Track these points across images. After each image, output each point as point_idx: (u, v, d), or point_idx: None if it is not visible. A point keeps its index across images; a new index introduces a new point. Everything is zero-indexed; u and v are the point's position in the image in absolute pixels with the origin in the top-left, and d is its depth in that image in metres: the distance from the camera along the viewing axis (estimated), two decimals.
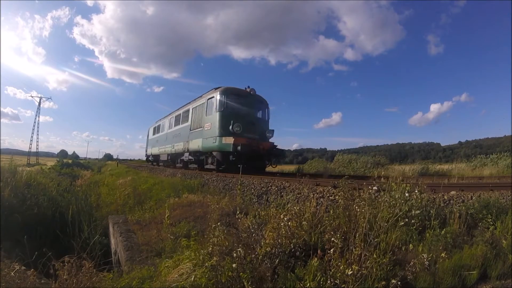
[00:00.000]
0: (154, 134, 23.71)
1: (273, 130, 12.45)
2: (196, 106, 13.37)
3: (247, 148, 10.18)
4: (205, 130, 11.78)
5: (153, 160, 24.42)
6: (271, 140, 12.39)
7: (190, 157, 13.50)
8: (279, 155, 12.19)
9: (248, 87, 12.19)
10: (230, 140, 10.13)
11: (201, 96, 13.55)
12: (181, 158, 14.98)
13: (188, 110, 14.58)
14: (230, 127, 10.65)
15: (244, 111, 11.67)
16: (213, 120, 11.34)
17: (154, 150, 22.73)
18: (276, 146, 11.81)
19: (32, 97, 46.75)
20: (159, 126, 21.91)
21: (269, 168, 12.36)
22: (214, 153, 11.14)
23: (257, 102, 12.57)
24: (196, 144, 12.49)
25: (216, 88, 12.19)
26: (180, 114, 16.18)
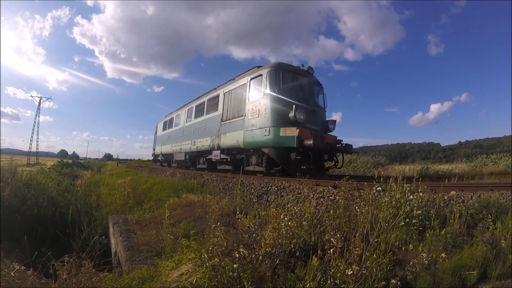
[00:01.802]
0: (164, 129, 19.59)
1: (335, 121, 9.21)
2: (231, 90, 10.13)
3: (320, 143, 7.43)
4: (248, 119, 8.61)
5: (164, 160, 20.12)
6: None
7: (223, 156, 10.26)
8: (347, 152, 8.87)
9: (303, 65, 9.33)
10: (292, 131, 7.29)
11: (236, 78, 10.45)
12: (207, 157, 11.74)
13: (216, 97, 11.35)
14: (291, 114, 7.73)
15: (304, 94, 8.79)
16: (262, 105, 8.21)
17: (165, 149, 18.64)
18: (341, 140, 8.79)
19: (32, 97, 46.79)
20: (171, 119, 18.01)
21: (325, 170, 9.16)
22: (265, 150, 8.05)
23: (316, 84, 9.51)
24: (232, 138, 9.41)
25: (258, 67, 9.32)
26: (203, 103, 12.66)
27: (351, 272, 2.07)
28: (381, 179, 3.34)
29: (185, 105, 15.81)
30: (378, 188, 3.27)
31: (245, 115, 8.91)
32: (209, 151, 11.45)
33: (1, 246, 4.16)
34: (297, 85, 8.78)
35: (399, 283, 2.04)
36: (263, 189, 6.75)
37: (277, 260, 2.43)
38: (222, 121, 10.42)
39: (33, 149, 41.72)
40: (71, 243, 5.07)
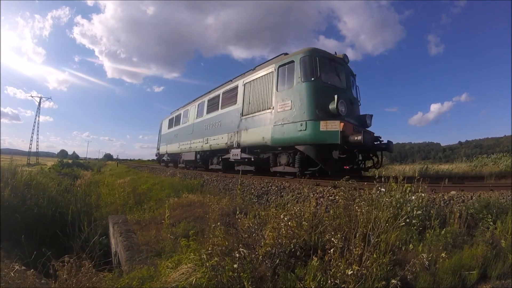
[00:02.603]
0: (170, 127, 18.01)
1: (372, 116, 8.17)
2: (253, 81, 8.90)
3: (369, 139, 6.55)
4: (277, 112, 7.48)
5: (169, 160, 18.37)
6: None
7: (244, 155, 8.99)
8: (389, 150, 7.58)
9: (335, 53, 8.13)
10: (335, 125, 6.26)
11: (257, 67, 9.26)
12: (223, 156, 10.46)
13: (234, 89, 10.06)
14: (333, 105, 6.64)
15: (341, 84, 7.69)
16: (295, 95, 7.08)
17: (172, 148, 17.17)
18: (380, 137, 7.68)
19: (32, 97, 46.82)
20: (178, 116, 16.58)
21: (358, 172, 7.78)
22: (300, 148, 6.93)
23: (351, 74, 8.41)
24: (257, 135, 8.17)
25: (285, 54, 8.29)
26: (217, 96, 11.33)
27: (351, 272, 2.07)
28: (382, 179, 3.34)
29: (195, 99, 14.29)
30: (382, 189, 3.25)
31: (272, 108, 7.66)
32: (225, 150, 10.12)
33: (1, 246, 4.16)
34: (334, 73, 7.64)
35: (399, 283, 2.04)
36: (263, 189, 6.75)
37: (277, 260, 2.43)
38: (242, 116, 9.07)
39: (33, 149, 41.77)
40: (71, 243, 5.08)
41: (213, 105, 11.78)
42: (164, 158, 19.38)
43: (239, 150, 9.14)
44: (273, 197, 6.15)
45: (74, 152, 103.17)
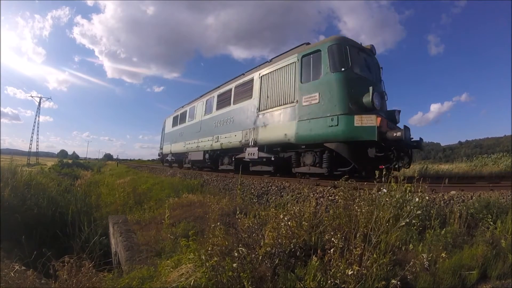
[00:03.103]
0: (175, 125, 17.02)
1: (400, 111, 7.60)
2: (271, 73, 8.17)
3: (409, 136, 6.08)
4: (302, 106, 6.79)
5: (174, 160, 17.30)
6: None
7: (262, 154, 8.18)
8: (420, 148, 6.89)
9: (360, 43, 7.46)
10: (371, 120, 5.65)
11: (274, 59, 8.61)
12: (237, 156, 9.59)
13: (248, 82, 9.28)
14: (367, 98, 6.06)
15: (371, 76, 7.14)
16: (324, 87, 6.41)
17: (176, 147, 16.14)
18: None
19: (32, 97, 46.81)
20: (183, 113, 15.62)
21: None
22: (330, 145, 6.25)
23: (378, 67, 7.77)
24: (277, 131, 7.49)
25: (307, 44, 7.72)
26: (229, 91, 10.54)
27: (352, 272, 2.07)
28: (382, 178, 3.34)
29: (202, 95, 13.52)
30: (384, 190, 3.23)
31: (296, 101, 6.95)
32: (239, 149, 9.33)
33: (1, 246, 4.16)
34: (364, 64, 7.08)
35: (399, 283, 2.04)
36: (263, 189, 6.75)
37: (277, 260, 2.43)
38: (259, 111, 8.35)
39: (33, 149, 41.77)
40: (71, 243, 5.08)
41: (224, 101, 10.87)
42: (168, 158, 18.22)
43: (256, 148, 8.29)
44: (273, 197, 6.15)
45: (74, 152, 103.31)
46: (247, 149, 8.76)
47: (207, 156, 12.01)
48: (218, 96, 11.47)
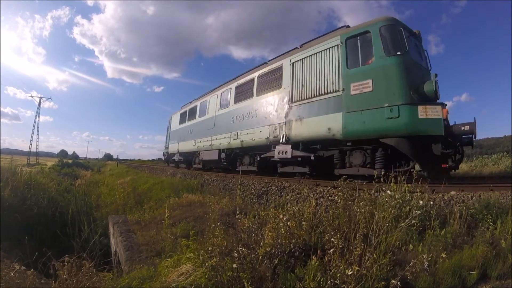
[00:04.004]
0: (183, 122, 15.66)
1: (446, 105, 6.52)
2: (306, 58, 7.18)
3: (474, 131, 5.16)
4: (351, 95, 5.86)
5: (182, 160, 15.87)
6: None
7: (297, 153, 7.12)
8: (472, 145, 5.69)
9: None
10: (436, 111, 4.98)
11: (305, 45, 7.68)
12: (263, 155, 8.47)
13: (277, 70, 8.17)
14: (430, 86, 5.35)
15: (424, 64, 6.43)
16: (378, 73, 5.57)
17: (185, 146, 14.76)
18: None
19: (32, 97, 46.82)
20: (193, 109, 14.30)
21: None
22: (389, 141, 5.41)
23: (426, 55, 6.88)
24: (318, 125, 6.47)
25: (347, 26, 6.88)
26: (250, 81, 9.37)
27: (351, 272, 2.07)
28: (381, 179, 3.33)
29: (216, 88, 12.30)
30: (388, 192, 3.20)
31: (342, 90, 6.01)
32: (265, 147, 8.23)
33: (1, 246, 4.17)
34: (417, 51, 6.29)
35: (399, 283, 2.04)
36: (263, 189, 6.76)
37: (277, 260, 2.43)
38: (292, 102, 7.32)
39: (33, 149, 41.75)
40: (71, 243, 5.09)
41: (244, 93, 9.70)
42: (175, 158, 16.59)
43: (289, 146, 7.22)
44: (273, 197, 6.15)
45: (74, 152, 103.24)
46: (277, 147, 7.59)
47: (223, 155, 10.70)
48: (237, 88, 10.20)
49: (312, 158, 6.85)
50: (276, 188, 6.47)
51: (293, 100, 7.34)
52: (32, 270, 2.61)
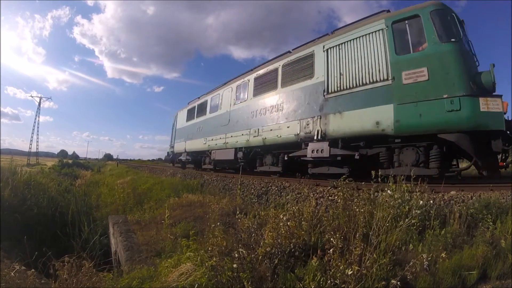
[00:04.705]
0: (191, 119, 14.52)
1: None
2: (343, 44, 6.49)
3: None
4: (403, 85, 5.26)
5: (190, 160, 14.70)
6: None
7: (336, 152, 6.30)
8: None
9: None
10: (497, 104, 4.64)
11: (337, 31, 7.08)
12: (291, 154, 7.52)
13: (307, 57, 7.34)
14: (487, 77, 4.97)
15: (471, 51, 5.85)
16: (433, 60, 5.05)
17: (194, 144, 13.56)
18: None
19: (32, 97, 46.86)
20: (203, 104, 13.22)
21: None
22: (448, 137, 4.86)
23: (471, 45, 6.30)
24: (363, 119, 5.77)
25: (387, 11, 6.34)
26: (274, 71, 8.48)
27: (351, 272, 2.07)
28: (379, 179, 3.33)
29: (229, 81, 11.35)
30: (388, 192, 3.19)
31: (391, 78, 5.39)
32: (294, 144, 7.38)
33: (1, 246, 4.17)
34: (466, 39, 5.68)
35: (399, 283, 2.04)
36: (263, 189, 6.76)
37: (277, 260, 2.43)
38: (327, 93, 6.52)
39: (33, 149, 41.75)
40: (71, 243, 5.09)
41: (265, 84, 8.81)
42: (182, 157, 15.38)
43: (326, 143, 6.40)
44: (273, 197, 6.15)
45: (74, 152, 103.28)
46: (310, 144, 6.75)
47: (239, 154, 9.68)
48: (256, 79, 9.26)
49: (357, 156, 6.00)
50: (276, 188, 6.47)
51: (330, 91, 6.50)
52: (32, 270, 2.61)
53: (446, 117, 4.72)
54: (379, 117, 5.45)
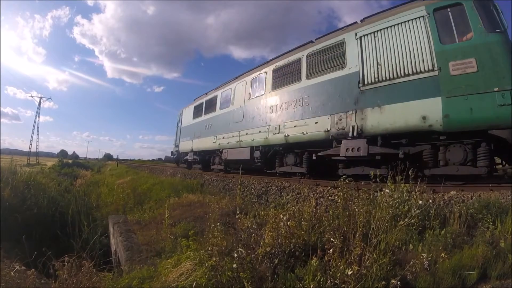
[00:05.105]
0: (198, 116, 13.64)
1: None
2: (379, 31, 6.00)
3: None
4: (450, 75, 4.95)
5: (197, 160, 13.73)
6: None
7: (376, 149, 5.71)
8: None
9: None
10: None
11: (365, 20, 6.54)
12: (321, 153, 6.83)
13: (337, 46, 6.77)
14: None
15: None
16: (481, 51, 4.87)
17: (202, 143, 12.66)
18: None
19: (32, 97, 47.01)
20: (212, 100, 12.40)
21: None
22: (501, 134, 4.69)
23: None
24: (409, 113, 5.26)
25: None
26: (297, 62, 7.80)
27: (351, 272, 2.07)
28: (377, 179, 3.32)
29: (242, 75, 10.62)
30: (386, 191, 3.18)
31: (437, 69, 5.02)
32: (324, 142, 6.70)
33: (1, 246, 4.17)
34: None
35: (399, 283, 2.04)
36: (263, 189, 6.76)
37: (277, 260, 2.43)
38: (363, 85, 5.97)
39: (33, 149, 41.81)
40: (71, 243, 5.09)
41: (286, 76, 8.13)
42: (188, 157, 14.49)
43: (364, 141, 5.80)
44: (273, 197, 6.15)
45: (74, 152, 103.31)
46: (344, 142, 6.12)
47: (256, 154, 8.91)
48: (275, 71, 8.58)
49: (402, 155, 5.43)
50: (276, 188, 6.48)
51: (366, 82, 5.93)
52: (32, 270, 2.61)
53: (498, 111, 4.43)
54: (426, 111, 5.00)
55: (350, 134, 5.95)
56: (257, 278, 2.29)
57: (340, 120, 6.27)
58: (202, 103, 13.34)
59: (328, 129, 6.49)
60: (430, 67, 5.09)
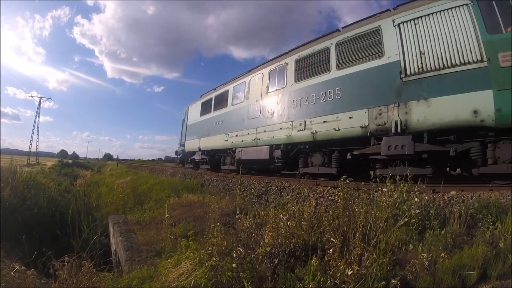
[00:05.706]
0: (206, 113, 12.74)
1: None
2: (418, 19, 5.57)
3: None
4: (501, 67, 4.65)
5: (206, 160, 12.79)
6: None
7: (422, 147, 5.22)
8: None
9: None
10: None
11: (402, 6, 6.02)
12: (357, 152, 6.21)
13: (371, 34, 6.19)
14: None
15: None
16: None
17: (211, 142, 11.73)
18: None
19: (32, 97, 47.10)
20: (222, 96, 11.60)
21: None
22: None
23: None
24: (458, 107, 4.89)
25: None
26: (324, 51, 7.14)
27: (351, 272, 2.07)
28: (377, 179, 3.32)
29: (259, 66, 9.76)
30: (384, 190, 3.18)
31: (486, 60, 4.66)
32: (359, 139, 6.04)
33: (1, 246, 4.17)
34: None
35: (399, 283, 2.04)
36: (263, 189, 6.76)
37: (277, 260, 2.43)
38: (406, 75, 5.45)
39: (33, 149, 41.82)
40: (71, 243, 5.09)
41: (312, 67, 7.38)
42: (195, 157, 13.47)
43: (409, 137, 5.26)
44: (273, 197, 6.15)
45: (74, 152, 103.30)
46: (385, 139, 5.53)
47: (277, 153, 8.08)
48: (298, 61, 7.84)
49: (453, 153, 4.98)
50: (276, 188, 6.48)
51: (409, 73, 5.41)
52: (32, 270, 2.61)
53: None
54: (477, 105, 4.61)
55: (393, 130, 5.39)
56: (257, 278, 2.29)
57: (380, 114, 5.66)
58: (211, 98, 12.40)
59: (366, 124, 5.83)
60: (479, 58, 4.71)
